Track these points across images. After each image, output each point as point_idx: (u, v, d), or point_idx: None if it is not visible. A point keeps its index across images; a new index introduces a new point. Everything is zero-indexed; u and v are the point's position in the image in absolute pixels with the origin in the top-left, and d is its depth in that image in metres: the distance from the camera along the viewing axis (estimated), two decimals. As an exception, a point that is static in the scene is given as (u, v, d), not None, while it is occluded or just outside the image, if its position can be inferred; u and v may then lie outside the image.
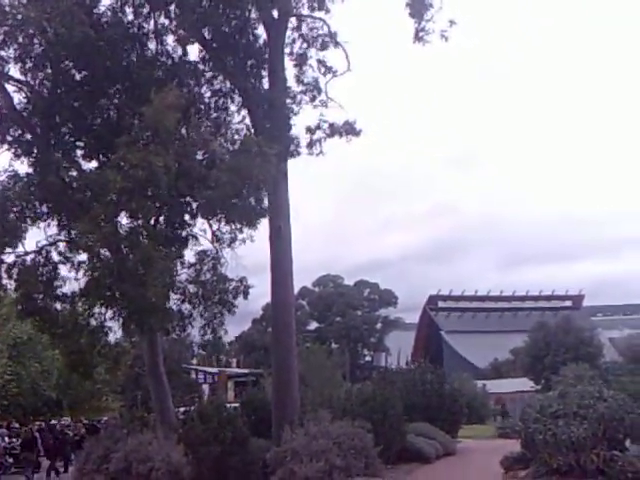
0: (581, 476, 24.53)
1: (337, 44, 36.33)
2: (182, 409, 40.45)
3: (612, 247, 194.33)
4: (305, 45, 36.49)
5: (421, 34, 35.62)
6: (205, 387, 75.13)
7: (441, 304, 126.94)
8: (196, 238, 31.12)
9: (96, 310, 28.79)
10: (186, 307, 30.00)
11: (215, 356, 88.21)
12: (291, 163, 34.19)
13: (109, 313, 28.70)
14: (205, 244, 31.24)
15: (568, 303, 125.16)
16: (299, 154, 34.58)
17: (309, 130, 36.25)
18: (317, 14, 36.06)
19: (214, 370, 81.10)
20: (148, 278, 26.31)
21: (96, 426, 46.95)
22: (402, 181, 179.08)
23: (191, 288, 29.71)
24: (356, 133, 35.97)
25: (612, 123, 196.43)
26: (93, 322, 29.48)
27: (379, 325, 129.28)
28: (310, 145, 36.20)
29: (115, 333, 30.42)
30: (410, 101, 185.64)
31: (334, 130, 35.98)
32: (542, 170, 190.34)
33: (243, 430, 30.44)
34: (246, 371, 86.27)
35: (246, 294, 30.33)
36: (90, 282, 27.60)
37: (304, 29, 36.64)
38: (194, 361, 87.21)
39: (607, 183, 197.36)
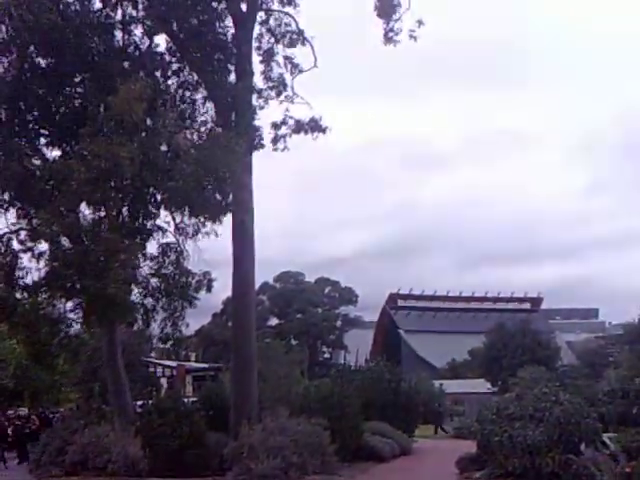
0: (536, 479, 24.71)
1: (305, 40, 36.37)
2: (140, 402, 40.22)
3: (571, 250, 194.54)
4: (273, 40, 36.49)
5: (390, 34, 35.83)
6: (163, 381, 74.78)
7: (401, 303, 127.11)
8: (161, 230, 30.88)
9: (57, 301, 28.57)
10: (149, 300, 29.77)
11: (174, 350, 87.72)
12: (255, 157, 34.17)
13: (70, 304, 28.53)
14: (168, 237, 31.00)
15: (526, 305, 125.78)
16: (262, 147, 34.56)
17: (274, 126, 36.31)
18: (286, 9, 36.12)
19: (173, 364, 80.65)
20: (110, 271, 26.15)
21: (49, 418, 46.47)
22: (363, 178, 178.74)
23: (153, 282, 29.49)
24: (322, 130, 36.06)
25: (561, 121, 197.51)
26: (54, 313, 29.25)
27: (339, 323, 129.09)
28: (275, 140, 36.26)
29: (75, 325, 30.24)
30: (373, 97, 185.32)
31: (300, 126, 36.07)
32: (500, 170, 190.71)
33: (200, 425, 30.37)
34: (205, 365, 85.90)
35: (210, 288, 30.20)
36: (51, 273, 27.38)
37: (272, 23, 36.67)
38: (153, 354, 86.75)
39: (565, 184, 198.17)
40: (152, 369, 74.56)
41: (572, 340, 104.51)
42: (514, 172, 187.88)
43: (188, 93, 33.63)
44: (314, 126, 36.10)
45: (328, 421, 30.24)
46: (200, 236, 29.81)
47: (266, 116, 35.83)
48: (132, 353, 56.84)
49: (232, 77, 34.01)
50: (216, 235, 30.00)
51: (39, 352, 31.16)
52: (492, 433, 25.89)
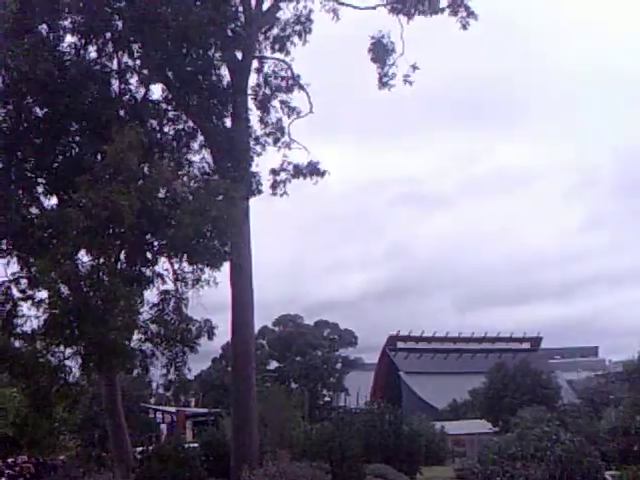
0: (539, 518, 24.69)
1: (301, 87, 36.78)
2: (139, 449, 40.12)
3: (569, 288, 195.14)
4: (269, 90, 36.90)
5: (385, 79, 36.27)
6: (163, 427, 74.57)
7: (400, 345, 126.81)
8: (160, 277, 30.95)
9: (56, 349, 28.57)
10: (147, 346, 29.72)
11: (177, 396, 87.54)
12: (251, 201, 34.38)
13: (68, 352, 28.52)
14: (167, 283, 31.04)
15: (526, 345, 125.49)
16: (260, 193, 34.81)
17: (273, 172, 36.70)
18: (281, 56, 36.51)
19: (172, 409, 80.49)
20: (109, 317, 26.23)
21: (46, 465, 46.10)
22: (361, 220, 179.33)
23: (153, 328, 29.47)
24: (320, 174, 36.41)
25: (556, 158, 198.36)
26: (53, 361, 29.23)
27: (339, 365, 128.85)
28: (274, 186, 36.57)
29: (74, 372, 30.19)
30: (370, 140, 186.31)
31: (298, 171, 36.44)
32: (498, 209, 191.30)
33: (201, 470, 30.34)
34: (205, 410, 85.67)
35: (210, 335, 30.10)
36: (50, 320, 27.42)
37: (267, 70, 37.09)
38: (152, 400, 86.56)
39: (563, 221, 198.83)
40: (152, 415, 74.34)
41: (572, 379, 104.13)
42: (512, 212, 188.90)
43: (184, 140, 33.89)
44: (312, 170, 36.45)
45: (330, 464, 30.21)
46: (200, 284, 29.84)
47: (264, 162, 36.18)
48: (131, 399, 56.80)
49: (229, 124, 34.28)
50: (215, 284, 29.96)
51: (38, 400, 31.08)
52: (494, 473, 25.88)
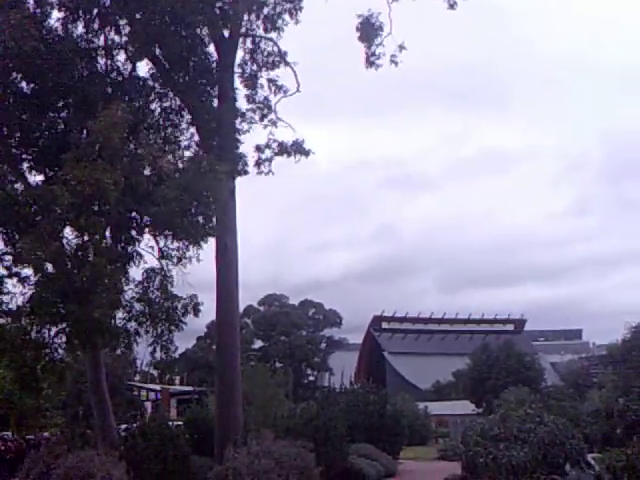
0: (521, 499, 24.77)
1: (287, 64, 36.64)
2: (124, 426, 40.09)
3: (554, 271, 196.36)
4: (255, 67, 36.74)
5: (372, 59, 36.17)
6: (148, 404, 74.54)
7: (385, 325, 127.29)
8: (140, 255, 30.90)
9: (41, 326, 28.52)
10: (132, 325, 29.67)
11: (164, 374, 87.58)
12: (238, 180, 34.32)
13: (54, 329, 28.48)
14: (152, 261, 30.98)
15: (510, 327, 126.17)
16: (247, 173, 34.84)
17: (258, 149, 36.54)
18: (270, 35, 36.39)
19: (157, 387, 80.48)
20: (94, 295, 26.19)
21: (29, 442, 45.91)
22: (347, 200, 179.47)
23: (137, 306, 29.43)
24: (305, 153, 36.27)
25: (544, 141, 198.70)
26: (38, 338, 29.19)
27: (323, 345, 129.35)
28: (258, 164, 36.46)
29: (60, 349, 30.15)
30: (358, 120, 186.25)
31: (283, 149, 36.27)
32: (485, 191, 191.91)
33: (185, 448, 30.32)
34: (189, 389, 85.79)
35: (197, 312, 30.03)
36: (35, 298, 27.36)
37: (254, 48, 36.88)
38: (137, 378, 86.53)
39: (550, 205, 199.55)
40: (136, 393, 74.33)
41: (556, 361, 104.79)
42: (499, 194, 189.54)
43: (171, 118, 33.75)
44: (297, 149, 36.29)
45: (313, 443, 30.24)
46: (185, 261, 29.82)
47: (250, 141, 36.12)
48: (116, 377, 56.75)
49: (216, 102, 34.16)
50: (198, 260, 29.97)
51: (24, 377, 31.04)
52: (477, 454, 25.92)
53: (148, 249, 30.67)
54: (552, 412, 30.91)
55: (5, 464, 38.55)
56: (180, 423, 40.52)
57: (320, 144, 43.51)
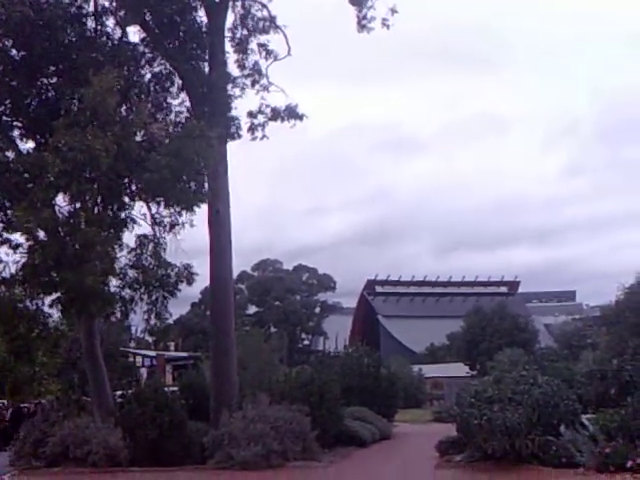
0: (515, 461, 24.88)
1: (277, 28, 36.42)
2: (119, 392, 40.19)
3: (548, 234, 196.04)
4: (246, 32, 36.50)
5: (364, 22, 35.98)
6: (143, 370, 74.61)
7: (378, 289, 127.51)
8: (134, 221, 30.82)
9: (34, 294, 28.51)
10: (127, 292, 29.65)
11: (158, 340, 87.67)
12: (229, 145, 34.23)
13: (48, 299, 28.49)
14: (145, 228, 30.92)
15: (504, 289, 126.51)
16: (240, 137, 34.81)
17: (250, 114, 36.39)
18: (260, -1, 36.16)
19: (152, 353, 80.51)
20: (87, 263, 26.17)
21: (21, 410, 45.89)
22: (340, 164, 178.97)
23: (131, 273, 29.41)
24: (299, 117, 36.15)
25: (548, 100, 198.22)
26: (31, 307, 29.20)
27: (317, 309, 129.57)
28: (252, 129, 36.33)
29: (53, 317, 30.19)
30: (350, 84, 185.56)
31: (276, 114, 36.13)
32: (477, 154, 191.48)
33: (181, 413, 30.44)
34: (184, 355, 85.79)
35: (190, 281, 30.03)
36: (28, 266, 27.34)
37: (244, 12, 36.65)
38: (132, 344, 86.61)
39: (542, 167, 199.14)
40: (131, 359, 74.40)
41: (550, 323, 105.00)
42: (491, 156, 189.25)
43: (162, 83, 33.57)
44: (290, 113, 36.15)
45: (309, 407, 30.39)
46: (177, 227, 29.81)
47: (242, 106, 35.93)
48: (111, 344, 56.74)
49: (206, 67, 34.00)
50: (191, 226, 29.98)
51: (18, 346, 31.10)
52: (471, 416, 25.98)
53: (140, 216, 30.65)
54: (546, 373, 30.96)
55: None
56: (175, 389, 40.57)
57: (313, 108, 43.40)
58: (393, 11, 35.09)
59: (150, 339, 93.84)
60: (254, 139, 36.74)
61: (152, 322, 30.68)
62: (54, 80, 30.86)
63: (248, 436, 28.01)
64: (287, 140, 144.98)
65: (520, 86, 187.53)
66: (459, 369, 77.05)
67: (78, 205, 27.76)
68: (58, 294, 27.90)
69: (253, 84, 36.52)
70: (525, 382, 26.67)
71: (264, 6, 36.53)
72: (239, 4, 36.60)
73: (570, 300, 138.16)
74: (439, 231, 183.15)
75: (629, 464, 22.83)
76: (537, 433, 24.97)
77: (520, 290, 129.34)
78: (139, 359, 76.82)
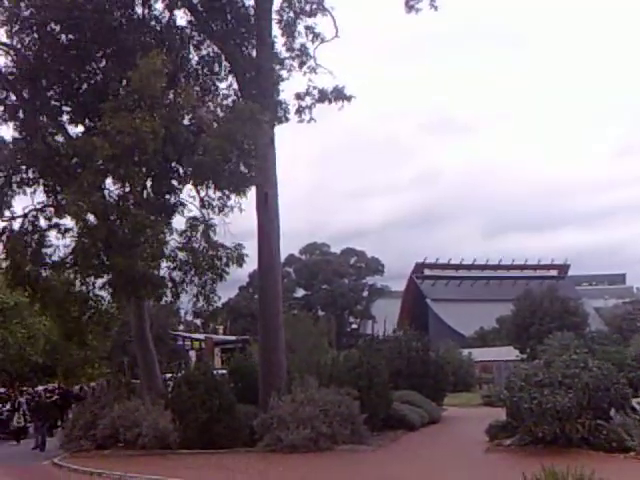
0: (566, 445, 24.63)
1: (324, 10, 36.16)
2: (169, 375, 40.45)
3: (598, 216, 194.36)
4: (293, 14, 36.27)
5: (412, 2, 35.64)
6: (192, 354, 75.03)
7: (427, 272, 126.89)
8: (183, 205, 30.92)
9: (85, 278, 28.74)
10: (177, 274, 29.74)
11: (207, 323, 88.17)
12: (277, 128, 34.11)
13: (99, 282, 28.71)
14: (194, 211, 30.95)
15: (554, 272, 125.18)
16: (287, 120, 34.71)
17: (298, 96, 36.17)
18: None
19: (201, 337, 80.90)
20: (137, 247, 26.31)
21: (70, 393, 46.28)
22: (387, 147, 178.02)
23: (181, 255, 29.48)
24: (347, 98, 35.83)
25: (599, 87, 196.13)
26: (83, 290, 29.44)
27: (365, 293, 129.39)
28: (299, 112, 36.13)
29: (104, 300, 30.39)
30: (398, 66, 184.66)
31: (323, 96, 35.85)
32: (529, 138, 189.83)
33: (230, 396, 30.50)
34: (233, 338, 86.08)
35: (240, 262, 30.03)
36: (78, 249, 27.52)
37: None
38: (181, 327, 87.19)
39: (592, 148, 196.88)
40: (180, 342, 74.87)
41: (600, 306, 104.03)
42: (540, 137, 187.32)
43: (209, 66, 33.59)
44: (338, 95, 35.86)
45: (357, 391, 30.33)
46: (227, 210, 29.81)
47: (290, 89, 35.82)
48: (161, 327, 57.21)
49: (254, 50, 33.93)
50: (240, 210, 29.98)
51: (70, 329, 31.39)
52: (521, 400, 25.77)
53: (190, 199, 30.71)
54: (596, 357, 30.67)
55: (48, 414, 38.09)
56: (224, 372, 40.69)
57: (359, 90, 43.12)
58: (441, -7, 34.77)
59: (199, 322, 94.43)
60: (301, 121, 36.53)
61: (200, 305, 30.77)
62: (102, 64, 31.03)
63: (297, 419, 28.00)
64: (335, 122, 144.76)
65: (566, 65, 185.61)
66: (509, 353, 76.46)
67: (127, 189, 27.87)
68: (108, 277, 28.09)
69: (300, 65, 36.28)
70: (575, 366, 26.37)
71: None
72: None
73: (620, 283, 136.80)
74: (488, 214, 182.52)
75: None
76: (587, 417, 24.72)
77: (570, 273, 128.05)
78: (188, 342, 77.27)
